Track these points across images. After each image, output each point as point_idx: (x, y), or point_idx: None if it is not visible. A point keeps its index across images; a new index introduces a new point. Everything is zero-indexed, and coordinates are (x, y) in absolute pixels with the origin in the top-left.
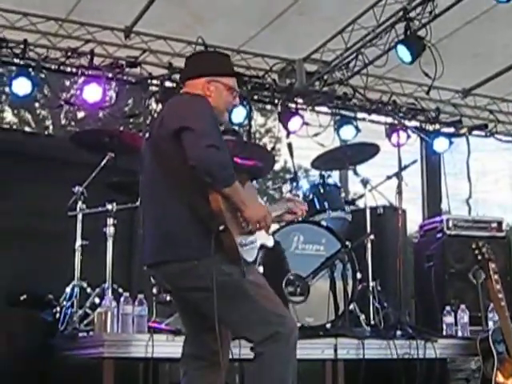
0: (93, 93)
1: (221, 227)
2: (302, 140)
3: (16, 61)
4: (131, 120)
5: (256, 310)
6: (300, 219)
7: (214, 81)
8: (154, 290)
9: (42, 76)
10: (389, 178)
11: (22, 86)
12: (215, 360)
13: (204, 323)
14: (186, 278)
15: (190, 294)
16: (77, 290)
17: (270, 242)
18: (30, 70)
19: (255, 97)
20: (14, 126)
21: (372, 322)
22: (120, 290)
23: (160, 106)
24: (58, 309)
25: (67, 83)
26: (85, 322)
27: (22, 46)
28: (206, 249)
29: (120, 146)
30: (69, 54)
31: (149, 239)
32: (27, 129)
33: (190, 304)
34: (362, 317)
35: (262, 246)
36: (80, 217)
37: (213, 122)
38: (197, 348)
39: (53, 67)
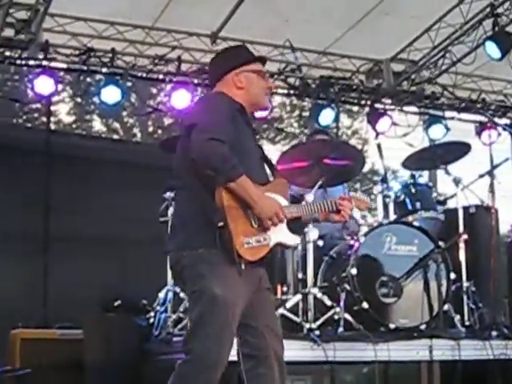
0: (181, 99)
1: (219, 223)
2: (391, 141)
3: (104, 70)
4: None
5: (197, 325)
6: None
7: (241, 71)
8: None
9: (129, 84)
10: (481, 176)
11: (111, 95)
12: (263, 356)
13: None
14: (177, 267)
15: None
16: (170, 294)
17: (291, 241)
18: (118, 78)
19: (342, 98)
20: (103, 135)
21: (467, 323)
22: None
23: None
24: (152, 314)
25: (153, 91)
26: (179, 326)
27: (109, 55)
28: (200, 242)
29: None
30: (156, 61)
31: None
32: (115, 137)
33: None
34: (457, 317)
35: (280, 245)
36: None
37: (222, 116)
38: (246, 347)
39: (140, 75)
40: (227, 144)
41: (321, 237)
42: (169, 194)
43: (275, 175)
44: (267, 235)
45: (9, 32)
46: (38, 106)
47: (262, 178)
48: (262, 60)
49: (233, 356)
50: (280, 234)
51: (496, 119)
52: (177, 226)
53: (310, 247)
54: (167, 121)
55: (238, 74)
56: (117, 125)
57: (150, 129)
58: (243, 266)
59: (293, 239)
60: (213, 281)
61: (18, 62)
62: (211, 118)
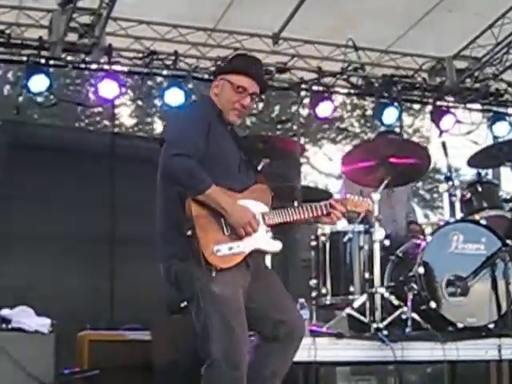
0: None
1: (188, 232)
2: (455, 138)
3: (166, 72)
4: (279, 126)
5: (207, 327)
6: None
7: (222, 78)
8: (313, 294)
9: (190, 86)
10: None
11: (174, 97)
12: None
13: None
14: (169, 278)
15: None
16: None
17: (271, 247)
18: (181, 80)
19: (405, 97)
20: None
21: None
22: None
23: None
24: None
25: None
26: None
27: (172, 58)
28: (178, 253)
29: (274, 152)
30: (218, 62)
31: None
32: None
33: None
34: None
35: (259, 251)
36: None
37: (193, 127)
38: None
39: (202, 77)
40: (195, 157)
41: (387, 236)
42: None
43: (257, 181)
44: (242, 242)
45: (72, 37)
46: (100, 109)
47: (243, 183)
48: (252, 77)
49: (298, 357)
50: (258, 241)
51: None
52: (160, 237)
53: (377, 247)
54: None
55: (219, 79)
56: None
57: None
58: (213, 274)
59: (273, 245)
60: (208, 281)
61: (82, 66)
62: (180, 132)
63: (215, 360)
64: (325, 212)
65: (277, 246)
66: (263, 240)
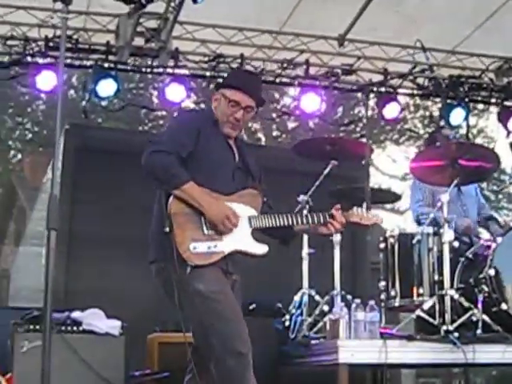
0: (310, 102)
1: (165, 229)
2: None
3: None
4: (342, 128)
5: (202, 325)
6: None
7: (219, 92)
8: (382, 296)
9: None
10: None
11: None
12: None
13: None
14: (159, 278)
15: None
16: (305, 298)
17: (254, 249)
18: None
19: (472, 97)
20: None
21: None
22: (349, 297)
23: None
24: (287, 317)
25: (276, 95)
26: (314, 329)
27: (238, 61)
28: (162, 252)
29: (342, 154)
30: (284, 65)
31: None
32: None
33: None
34: None
35: (240, 253)
36: None
37: (181, 129)
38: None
39: (268, 79)
40: (175, 154)
41: (457, 238)
42: (302, 197)
43: (250, 187)
44: (222, 242)
45: (139, 41)
46: (164, 113)
47: (231, 187)
48: (246, 91)
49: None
50: (239, 242)
51: None
52: (151, 236)
53: (446, 248)
54: (290, 124)
55: (217, 93)
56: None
57: (274, 133)
58: (188, 270)
59: (256, 248)
60: (194, 280)
61: (148, 70)
62: (166, 134)
63: (219, 356)
64: (322, 221)
65: (261, 248)
66: (246, 242)
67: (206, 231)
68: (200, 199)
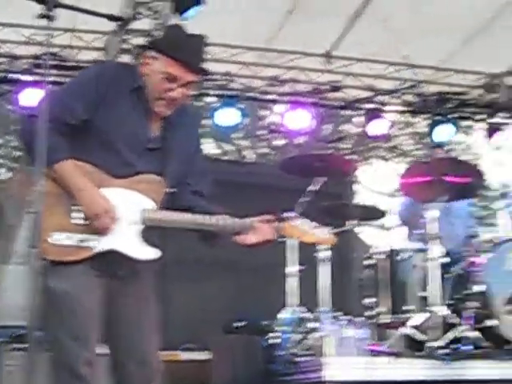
0: (297, 119)
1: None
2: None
3: (219, 92)
4: (329, 145)
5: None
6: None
7: (152, 54)
8: (369, 313)
9: (242, 106)
10: None
11: (227, 117)
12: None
13: None
14: None
15: None
16: (292, 315)
17: (138, 253)
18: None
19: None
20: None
21: None
22: (337, 314)
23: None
24: (272, 335)
25: (262, 113)
26: (301, 346)
27: (225, 77)
28: None
29: (330, 171)
30: (271, 82)
31: None
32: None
33: None
34: None
35: (118, 254)
36: (296, 242)
37: (73, 90)
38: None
39: (255, 96)
40: (57, 121)
41: (447, 253)
42: (287, 215)
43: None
44: (94, 237)
45: (125, 58)
46: None
47: (130, 170)
48: (189, 66)
49: (356, 376)
50: (119, 242)
51: None
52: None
53: (433, 265)
54: (277, 142)
55: (151, 54)
56: (231, 147)
57: (261, 150)
58: (43, 264)
59: (140, 252)
60: (48, 275)
61: None
62: (59, 92)
63: (54, 355)
64: (234, 231)
65: (148, 253)
66: (128, 241)
67: (74, 219)
68: (72, 185)
